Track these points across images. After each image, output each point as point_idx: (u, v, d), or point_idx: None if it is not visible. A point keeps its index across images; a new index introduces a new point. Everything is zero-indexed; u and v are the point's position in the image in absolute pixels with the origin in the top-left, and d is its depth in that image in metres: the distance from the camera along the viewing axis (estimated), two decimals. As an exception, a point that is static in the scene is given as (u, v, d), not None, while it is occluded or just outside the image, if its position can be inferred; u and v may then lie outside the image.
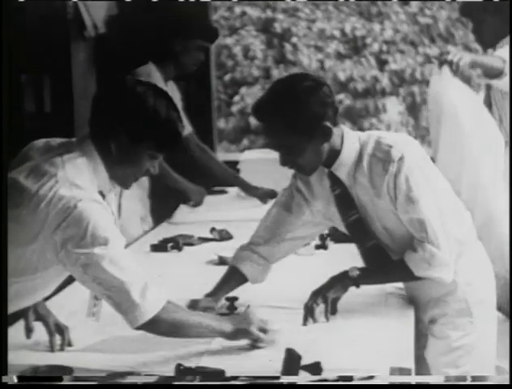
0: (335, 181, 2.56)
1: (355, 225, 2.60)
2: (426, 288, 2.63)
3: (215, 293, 2.67)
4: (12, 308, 2.34)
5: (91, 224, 2.15)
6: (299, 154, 2.46)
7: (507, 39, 3.91)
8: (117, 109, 2.24)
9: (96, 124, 2.28)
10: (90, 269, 2.16)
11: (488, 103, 4.01)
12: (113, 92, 2.29)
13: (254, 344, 2.34)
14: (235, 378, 2.06)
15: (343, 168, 2.52)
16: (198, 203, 4.29)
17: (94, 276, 2.18)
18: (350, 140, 2.51)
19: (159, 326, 2.23)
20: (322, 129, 2.44)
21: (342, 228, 2.65)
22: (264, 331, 2.34)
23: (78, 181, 2.19)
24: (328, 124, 2.44)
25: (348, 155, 2.51)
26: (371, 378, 2.04)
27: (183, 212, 4.29)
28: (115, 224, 2.27)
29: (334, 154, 2.51)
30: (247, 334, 2.33)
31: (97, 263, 2.16)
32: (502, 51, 3.82)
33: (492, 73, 3.80)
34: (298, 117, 2.41)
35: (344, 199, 2.57)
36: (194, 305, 2.60)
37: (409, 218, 2.47)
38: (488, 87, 4.05)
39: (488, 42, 4.03)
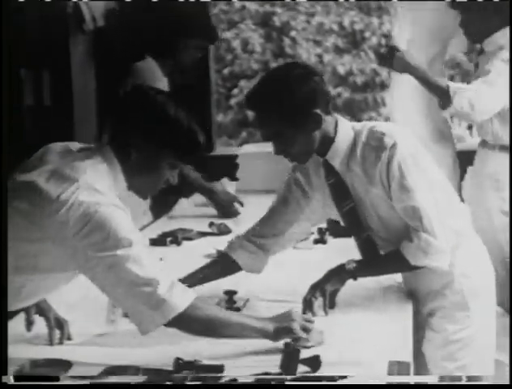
0: (330, 170, 2.57)
1: (350, 215, 2.61)
2: (425, 281, 2.64)
3: (192, 276, 2.66)
4: (18, 305, 2.35)
5: (113, 227, 2.12)
6: (291, 142, 2.48)
7: (493, 38, 3.93)
8: (138, 117, 2.24)
9: (116, 132, 2.28)
10: (113, 271, 2.13)
11: None
12: (134, 100, 2.30)
13: (296, 344, 2.22)
14: (233, 377, 2.06)
15: (337, 157, 2.54)
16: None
17: (118, 278, 2.13)
18: (344, 129, 2.53)
19: (190, 323, 2.18)
20: (312, 116, 2.45)
21: (339, 219, 2.67)
22: (307, 330, 2.26)
23: (98, 186, 2.17)
24: (318, 111, 2.45)
25: (342, 143, 2.52)
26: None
27: (182, 207, 4.29)
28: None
29: (328, 142, 2.52)
30: (290, 333, 2.25)
31: (121, 264, 2.12)
32: (454, 84, 3.81)
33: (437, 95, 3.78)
34: (288, 104, 2.42)
35: (339, 188, 2.58)
36: None
37: (403, 206, 2.48)
38: None
39: (476, 36, 4.04)
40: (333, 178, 2.58)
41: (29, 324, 2.44)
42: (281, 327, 2.24)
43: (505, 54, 3.81)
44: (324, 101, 2.48)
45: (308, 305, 2.51)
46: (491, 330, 2.72)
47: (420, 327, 2.67)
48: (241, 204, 4.00)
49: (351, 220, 2.62)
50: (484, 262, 2.73)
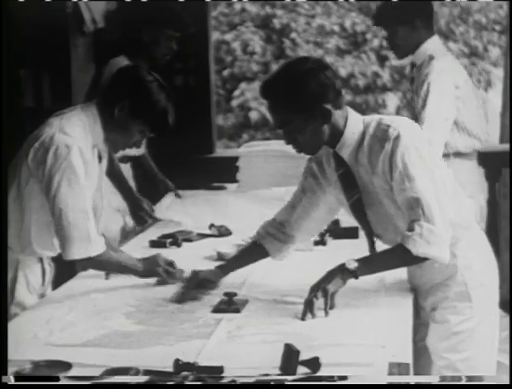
0: (339, 161, 2.63)
1: (357, 206, 2.65)
2: (428, 275, 2.65)
3: (228, 265, 2.88)
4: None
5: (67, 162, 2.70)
6: (300, 133, 2.54)
7: (421, 49, 3.99)
8: (131, 86, 2.81)
9: (111, 91, 2.84)
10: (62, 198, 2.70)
11: None
12: (131, 73, 2.88)
13: (163, 281, 2.87)
14: (234, 378, 2.05)
15: (346, 149, 2.59)
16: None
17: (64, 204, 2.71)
18: (353, 122, 2.59)
19: (100, 263, 2.79)
20: (321, 110, 2.51)
21: (348, 210, 2.70)
22: (168, 272, 2.87)
23: (69, 130, 2.75)
24: (328, 106, 2.51)
25: (351, 135, 2.58)
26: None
27: (181, 208, 4.29)
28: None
29: (338, 135, 2.58)
30: (155, 273, 2.87)
31: (66, 195, 2.70)
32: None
33: None
34: (298, 97, 2.50)
35: (347, 179, 2.63)
36: (194, 276, 2.82)
37: (405, 197, 2.49)
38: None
39: (402, 51, 4.08)
40: (342, 169, 2.63)
41: (107, 273, 2.96)
42: (148, 269, 2.86)
43: (436, 67, 3.90)
44: (334, 96, 2.53)
45: (309, 306, 2.50)
46: (494, 323, 2.73)
47: (423, 323, 2.70)
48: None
49: (358, 211, 2.66)
50: (487, 255, 2.74)
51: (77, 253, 2.73)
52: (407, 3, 4.00)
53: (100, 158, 2.87)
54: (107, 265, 2.84)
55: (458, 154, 3.99)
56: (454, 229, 2.54)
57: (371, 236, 2.68)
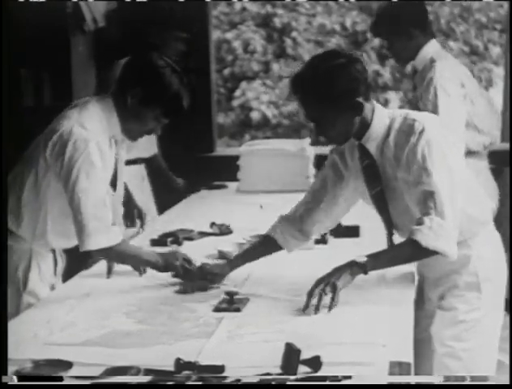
0: (364, 153, 2.65)
1: (378, 198, 2.67)
2: (440, 264, 2.66)
3: (235, 259, 2.91)
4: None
5: (90, 161, 2.69)
6: (331, 126, 2.56)
7: (421, 54, 4.00)
8: (141, 73, 2.77)
9: (122, 81, 2.80)
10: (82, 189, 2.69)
11: None
12: (142, 60, 2.82)
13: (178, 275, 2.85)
14: (234, 378, 2.05)
15: (372, 142, 2.62)
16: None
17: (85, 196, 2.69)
18: (380, 115, 2.61)
19: (115, 254, 2.77)
20: (353, 104, 2.53)
21: (369, 201, 2.72)
22: (185, 269, 2.83)
23: (88, 125, 2.72)
24: (360, 100, 2.54)
25: (378, 129, 2.60)
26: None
27: (182, 207, 4.29)
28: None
29: (365, 127, 2.60)
30: (173, 268, 2.83)
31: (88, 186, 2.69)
32: None
33: None
34: (329, 92, 2.50)
35: (371, 171, 2.65)
36: (203, 268, 2.85)
37: (420, 190, 2.51)
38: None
39: (403, 58, 4.09)
40: (366, 161, 2.65)
41: (109, 272, 2.95)
42: (167, 264, 2.83)
43: (438, 69, 3.90)
44: (365, 89, 2.55)
45: (312, 297, 2.49)
46: (498, 318, 2.75)
47: (426, 315, 2.72)
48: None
49: (379, 202, 2.68)
50: (499, 254, 2.77)
51: (96, 243, 2.71)
52: (400, 14, 3.99)
53: (116, 148, 2.85)
54: (124, 256, 2.82)
55: (468, 153, 3.96)
56: (471, 224, 2.61)
57: (390, 228, 2.70)
